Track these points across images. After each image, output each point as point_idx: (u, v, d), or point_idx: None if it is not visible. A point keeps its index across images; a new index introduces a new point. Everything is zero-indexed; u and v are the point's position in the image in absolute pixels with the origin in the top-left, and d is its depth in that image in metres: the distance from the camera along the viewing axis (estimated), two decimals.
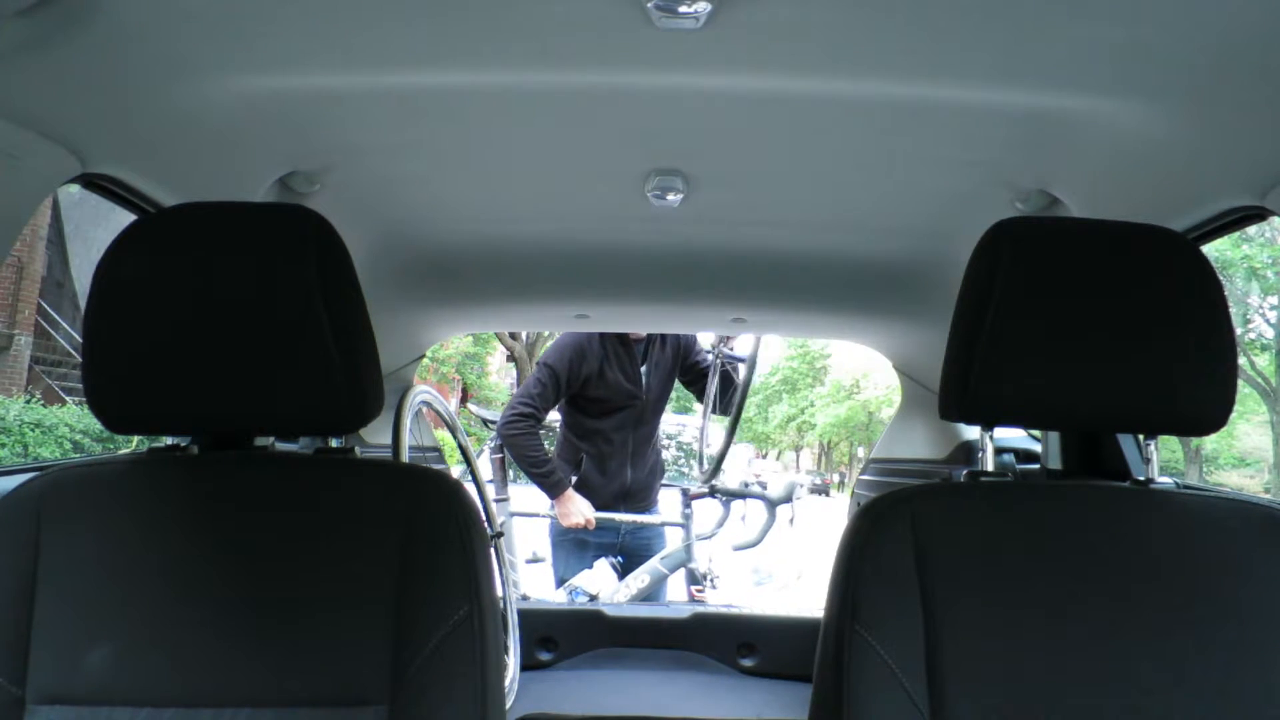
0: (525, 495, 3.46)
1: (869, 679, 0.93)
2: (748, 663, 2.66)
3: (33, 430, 9.07)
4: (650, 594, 3.13)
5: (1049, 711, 0.93)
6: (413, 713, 0.92)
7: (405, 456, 1.96)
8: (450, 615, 0.94)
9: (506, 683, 2.35)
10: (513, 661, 2.45)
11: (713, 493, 3.14)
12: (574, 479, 3.16)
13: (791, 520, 3.19)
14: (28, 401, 9.85)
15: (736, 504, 3.20)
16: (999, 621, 0.95)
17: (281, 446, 1.55)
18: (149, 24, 1.02)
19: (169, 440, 1.06)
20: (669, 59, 1.12)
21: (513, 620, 2.54)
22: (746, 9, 1.00)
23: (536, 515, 3.27)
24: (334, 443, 1.10)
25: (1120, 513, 1.02)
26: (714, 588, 3.11)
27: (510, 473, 3.36)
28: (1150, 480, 1.07)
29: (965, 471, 1.08)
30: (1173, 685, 0.93)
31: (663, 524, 3.21)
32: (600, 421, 3.17)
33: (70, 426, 9.40)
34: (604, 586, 3.05)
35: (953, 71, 1.13)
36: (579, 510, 3.06)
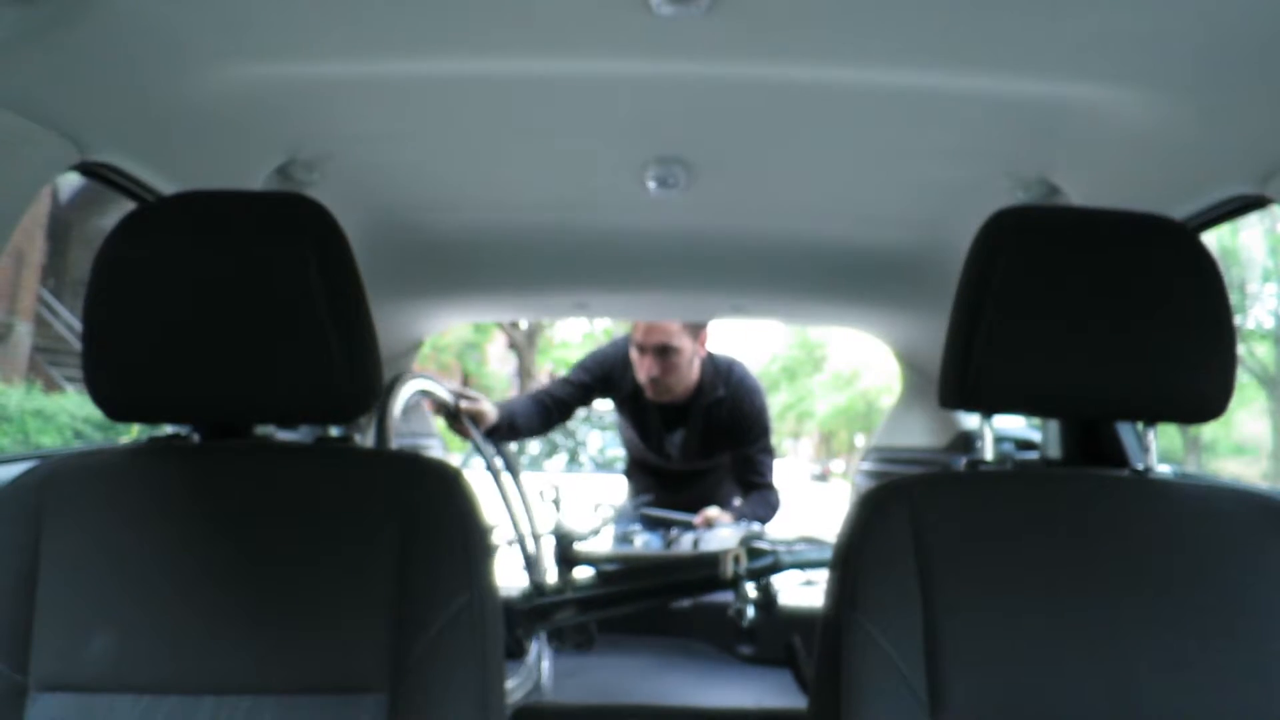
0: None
1: (868, 667, 0.94)
2: (747, 651, 2.67)
3: (34, 418, 9.08)
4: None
5: (1048, 697, 0.93)
6: (413, 700, 0.93)
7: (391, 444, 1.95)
8: (450, 603, 0.94)
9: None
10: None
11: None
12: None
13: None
14: (28, 390, 9.86)
15: None
16: (998, 609, 0.96)
17: (282, 435, 1.55)
18: (148, 11, 1.01)
19: (169, 429, 1.06)
20: (670, 46, 1.11)
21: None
22: None
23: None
24: (334, 431, 1.10)
25: (1119, 501, 1.02)
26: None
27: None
28: (1149, 469, 1.07)
29: (964, 460, 1.08)
30: (1172, 672, 0.93)
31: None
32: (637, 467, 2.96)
33: (71, 414, 9.41)
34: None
35: (955, 60, 1.13)
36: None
